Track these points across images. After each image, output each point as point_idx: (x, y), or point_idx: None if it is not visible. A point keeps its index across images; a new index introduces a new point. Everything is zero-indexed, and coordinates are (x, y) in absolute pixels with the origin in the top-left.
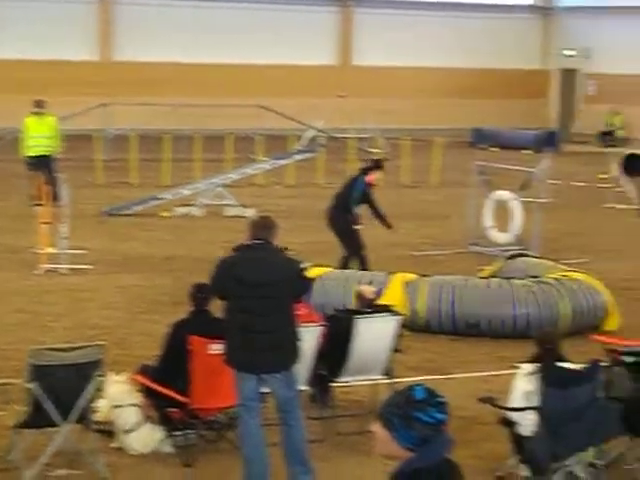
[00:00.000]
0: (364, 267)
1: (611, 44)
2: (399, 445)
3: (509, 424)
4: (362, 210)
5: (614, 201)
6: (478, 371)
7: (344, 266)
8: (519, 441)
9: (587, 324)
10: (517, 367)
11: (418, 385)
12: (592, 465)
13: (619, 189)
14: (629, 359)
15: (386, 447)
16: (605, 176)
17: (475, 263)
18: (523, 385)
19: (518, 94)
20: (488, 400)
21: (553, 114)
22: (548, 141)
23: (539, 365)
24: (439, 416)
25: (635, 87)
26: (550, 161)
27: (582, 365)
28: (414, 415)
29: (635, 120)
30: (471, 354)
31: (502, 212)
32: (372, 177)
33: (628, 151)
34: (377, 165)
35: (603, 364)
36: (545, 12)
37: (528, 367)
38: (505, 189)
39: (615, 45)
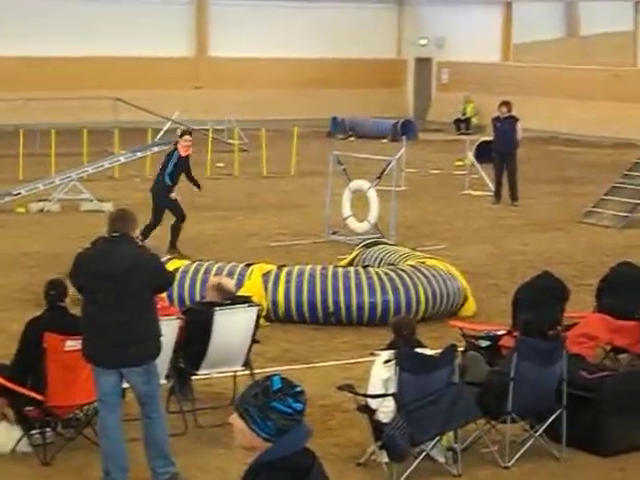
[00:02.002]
0: (174, 240)
1: (463, 33)
2: (257, 436)
3: (368, 411)
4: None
5: (470, 188)
6: (338, 359)
7: (146, 234)
8: (378, 428)
9: (444, 310)
10: (375, 354)
11: (275, 375)
12: (450, 449)
13: (474, 176)
14: (484, 343)
15: (245, 438)
16: (460, 163)
17: (334, 252)
18: (381, 372)
19: (375, 83)
20: (347, 388)
21: (409, 103)
22: (405, 130)
23: (396, 352)
24: (296, 406)
25: (486, 75)
26: (407, 149)
27: (438, 350)
28: (271, 405)
29: (487, 108)
30: (331, 343)
31: (360, 201)
32: (180, 147)
33: (482, 138)
34: (182, 134)
35: (459, 349)
36: (400, 2)
37: (385, 354)
38: (363, 178)
39: (467, 34)
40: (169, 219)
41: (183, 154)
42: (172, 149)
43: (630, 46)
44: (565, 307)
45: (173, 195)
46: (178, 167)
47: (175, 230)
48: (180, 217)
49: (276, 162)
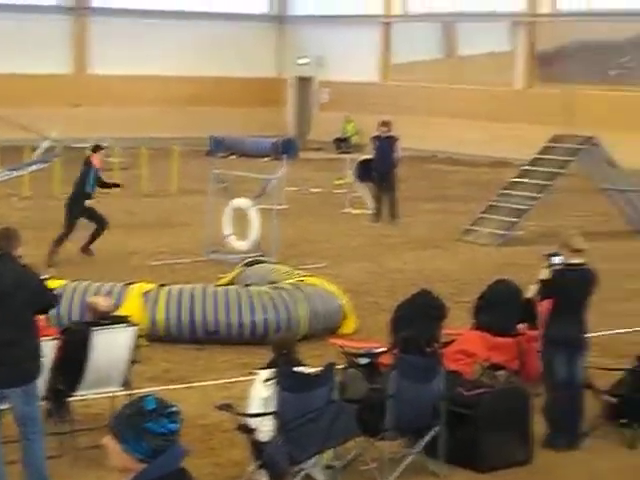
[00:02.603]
0: (89, 243)
1: (343, 52)
2: (131, 457)
3: (248, 430)
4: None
5: (350, 206)
6: (218, 379)
7: (59, 243)
8: (258, 447)
9: (324, 328)
10: (255, 373)
11: (148, 396)
12: (329, 467)
13: (354, 194)
14: (364, 361)
15: (119, 460)
16: (340, 182)
17: (214, 271)
18: (260, 391)
19: (256, 102)
20: (227, 407)
21: (290, 122)
22: (286, 148)
23: (275, 370)
24: (171, 426)
25: (366, 95)
26: (287, 168)
27: (318, 368)
28: (145, 426)
29: (367, 127)
30: (212, 362)
31: (241, 220)
32: (96, 161)
33: (362, 157)
34: (94, 149)
35: (338, 367)
36: (279, 21)
37: (265, 373)
38: (243, 197)
39: (347, 53)
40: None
41: (99, 166)
42: (86, 164)
43: (507, 66)
44: (443, 324)
45: (88, 203)
46: (97, 178)
47: (95, 235)
48: (101, 223)
49: (157, 180)
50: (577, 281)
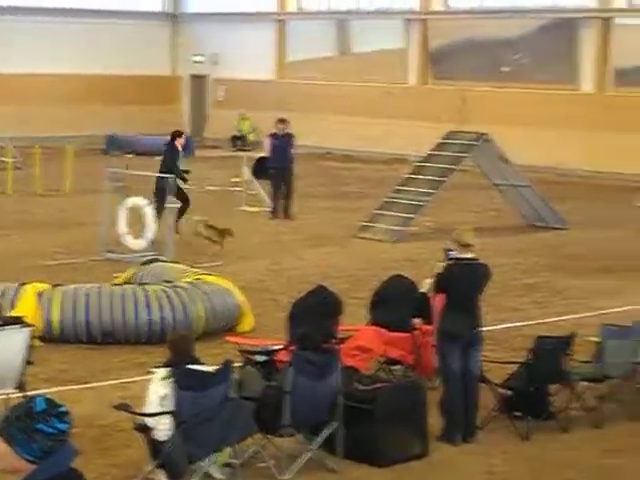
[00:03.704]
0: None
1: (238, 50)
2: (22, 459)
3: (145, 430)
4: None
5: (246, 204)
6: (116, 379)
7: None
8: (156, 446)
9: (221, 326)
10: (152, 372)
11: (38, 396)
12: (228, 465)
13: (251, 192)
14: (261, 358)
15: (8, 461)
16: (237, 180)
17: (111, 270)
18: (158, 390)
19: (150, 100)
20: (123, 407)
21: (185, 120)
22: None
23: (172, 369)
24: (61, 426)
25: (262, 92)
26: (184, 166)
27: (215, 367)
28: (35, 427)
29: (263, 124)
30: (109, 362)
31: (136, 218)
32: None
33: (258, 155)
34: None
35: (236, 365)
36: (173, 18)
37: (162, 371)
38: (139, 195)
39: (242, 51)
40: None
41: None
42: None
43: (401, 64)
44: (339, 320)
45: None
46: None
47: None
48: None
49: (51, 180)
50: (467, 276)
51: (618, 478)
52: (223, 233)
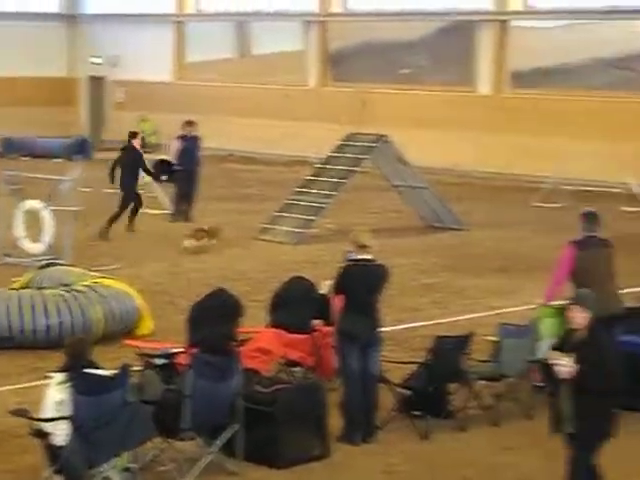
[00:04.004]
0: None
1: (137, 52)
2: None
3: (42, 435)
4: None
5: (146, 206)
6: (13, 384)
7: None
8: (53, 451)
9: (120, 329)
10: (49, 377)
11: None
12: (127, 469)
13: (151, 194)
14: (160, 361)
15: None
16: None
17: (9, 274)
18: (54, 395)
19: (48, 102)
20: (20, 412)
21: (83, 122)
22: (80, 149)
23: (69, 373)
24: None
25: (161, 94)
26: (81, 169)
27: (113, 371)
28: None
29: (164, 126)
30: (5, 367)
31: (34, 222)
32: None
33: (158, 157)
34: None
35: (134, 368)
36: (71, 19)
37: (59, 376)
38: (36, 198)
39: (141, 52)
40: None
41: None
42: None
43: (301, 65)
44: (239, 323)
45: None
46: None
47: None
48: None
49: None
50: (363, 276)
51: (514, 475)
52: (213, 232)
